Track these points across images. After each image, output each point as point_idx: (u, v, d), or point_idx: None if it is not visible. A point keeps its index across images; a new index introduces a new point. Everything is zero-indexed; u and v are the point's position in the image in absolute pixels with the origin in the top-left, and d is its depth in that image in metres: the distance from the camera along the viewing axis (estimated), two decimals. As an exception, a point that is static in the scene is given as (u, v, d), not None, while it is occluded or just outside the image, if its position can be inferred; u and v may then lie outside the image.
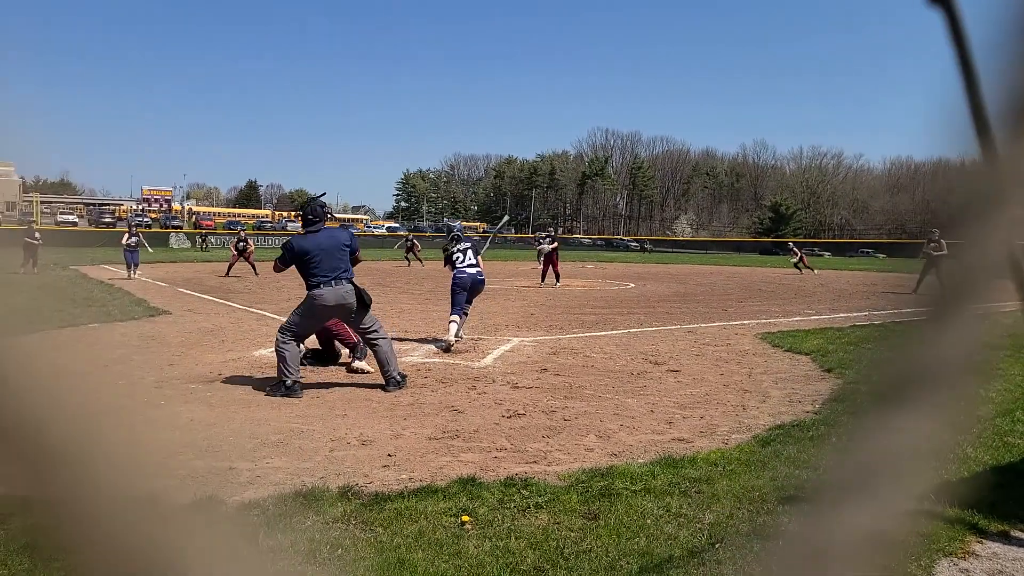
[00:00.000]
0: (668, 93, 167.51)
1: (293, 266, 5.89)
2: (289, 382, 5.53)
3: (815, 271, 27.30)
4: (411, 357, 7.29)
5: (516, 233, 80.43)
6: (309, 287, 5.76)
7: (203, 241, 42.04)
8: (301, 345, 6.29)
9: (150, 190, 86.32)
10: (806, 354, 7.56)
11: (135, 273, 17.42)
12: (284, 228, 62.52)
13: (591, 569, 2.70)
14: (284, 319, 6.25)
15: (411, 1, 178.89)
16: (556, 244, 18.16)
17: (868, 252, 64.14)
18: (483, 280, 8.33)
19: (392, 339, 6.32)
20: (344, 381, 6.17)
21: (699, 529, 3.05)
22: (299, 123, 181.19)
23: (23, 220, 53.51)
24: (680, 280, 22.25)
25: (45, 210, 68.66)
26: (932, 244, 14.80)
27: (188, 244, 43.78)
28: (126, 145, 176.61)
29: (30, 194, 75.98)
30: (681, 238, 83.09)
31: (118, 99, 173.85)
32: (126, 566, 0.35)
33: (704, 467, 3.84)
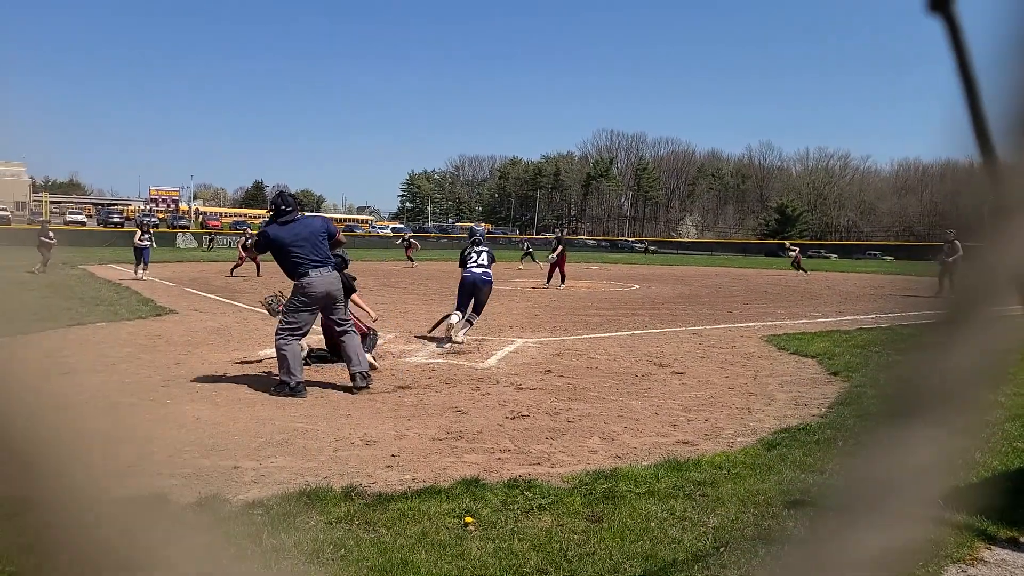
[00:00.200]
0: (673, 94, 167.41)
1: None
2: (293, 383, 5.53)
3: (806, 272, 27.17)
4: (415, 358, 7.30)
5: (520, 234, 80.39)
6: (297, 277, 5.67)
7: (211, 241, 42.20)
8: (304, 344, 6.31)
9: (158, 190, 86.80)
10: (812, 357, 7.53)
11: (144, 273, 17.40)
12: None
13: (594, 572, 2.69)
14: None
15: (416, 1, 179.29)
16: (561, 247, 18.09)
17: (875, 254, 63.91)
18: (487, 282, 8.44)
19: (396, 339, 6.32)
20: (348, 382, 6.17)
21: (703, 533, 3.04)
22: (305, 124, 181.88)
23: (33, 219, 53.80)
24: (685, 282, 22.20)
25: (54, 210, 69.08)
26: (947, 246, 14.77)
27: (195, 244, 43.94)
28: (134, 146, 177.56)
29: (39, 194, 76.47)
30: (686, 239, 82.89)
31: (126, 100, 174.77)
32: (103, 565, 0.35)
33: (709, 470, 3.83)
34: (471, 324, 8.36)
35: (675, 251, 67.33)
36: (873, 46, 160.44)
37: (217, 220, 66.23)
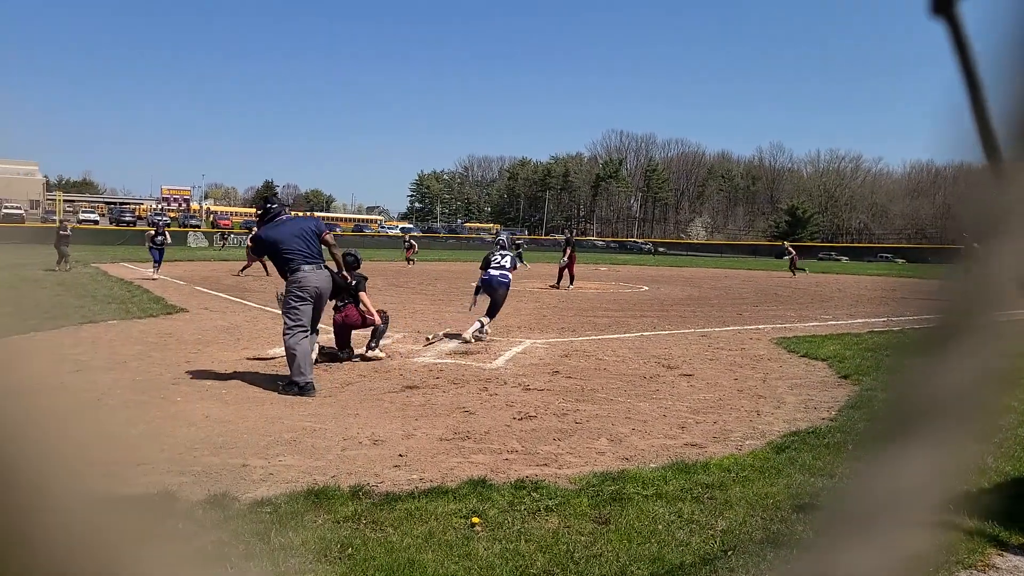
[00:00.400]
0: (684, 95, 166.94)
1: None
2: (302, 382, 5.56)
3: (796, 274, 26.95)
4: (423, 358, 7.31)
5: (529, 235, 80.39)
6: (290, 272, 5.76)
7: (223, 241, 42.44)
8: (315, 343, 6.36)
9: (169, 189, 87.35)
10: (822, 360, 7.48)
11: (157, 272, 17.44)
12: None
13: (601, 573, 2.69)
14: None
15: (426, 2, 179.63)
16: (570, 249, 18.06)
17: (887, 256, 63.45)
18: (504, 283, 8.67)
19: (404, 339, 6.33)
20: (357, 380, 6.19)
21: (711, 536, 3.03)
22: (315, 124, 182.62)
23: (47, 218, 54.28)
24: (694, 283, 22.12)
25: (68, 208, 69.64)
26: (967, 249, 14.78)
27: (206, 243, 44.21)
28: (146, 145, 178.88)
29: (53, 192, 77.13)
30: (696, 241, 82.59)
31: (139, 100, 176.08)
32: (79, 567, 0.35)
33: (717, 473, 3.81)
34: (481, 325, 8.41)
35: (684, 253, 67.09)
36: (884, 47, 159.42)
37: (228, 219, 66.61)
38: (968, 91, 0.36)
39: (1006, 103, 0.34)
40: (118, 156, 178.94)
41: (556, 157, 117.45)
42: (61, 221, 22.11)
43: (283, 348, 5.89)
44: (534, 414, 5.11)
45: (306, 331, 5.79)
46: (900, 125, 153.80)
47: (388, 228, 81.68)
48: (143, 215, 70.33)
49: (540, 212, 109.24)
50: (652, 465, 3.99)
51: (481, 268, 8.92)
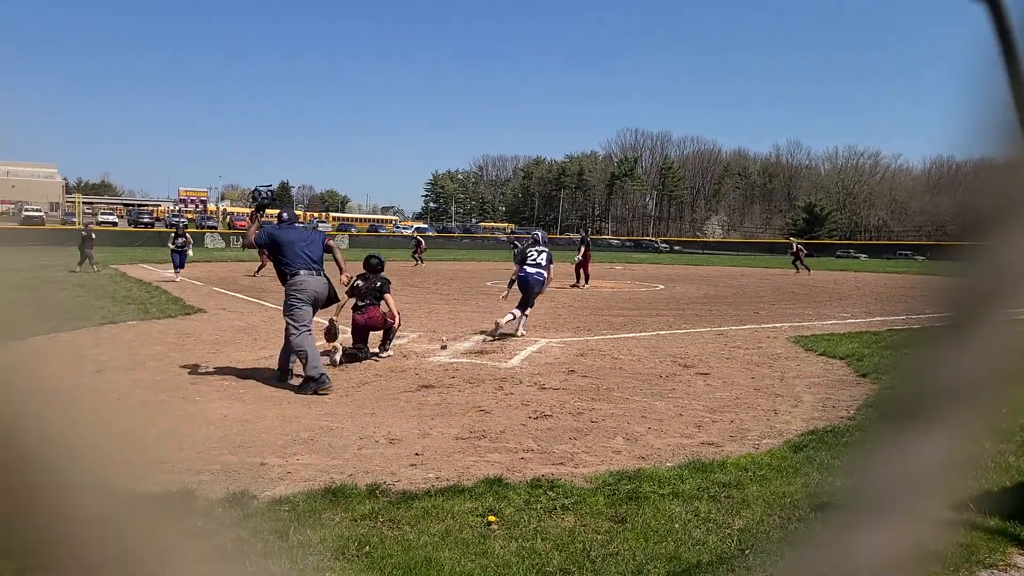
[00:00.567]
0: (699, 92, 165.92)
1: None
2: (317, 375, 5.67)
3: (798, 271, 26.53)
4: (439, 357, 7.33)
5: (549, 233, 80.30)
6: (288, 276, 6.07)
7: (241, 242, 42.87)
8: (338, 345, 6.58)
9: (186, 191, 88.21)
10: (841, 358, 7.41)
11: (178, 275, 17.28)
12: (315, 227, 63.45)
13: (617, 572, 2.68)
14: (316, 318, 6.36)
15: (441, 2, 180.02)
16: (585, 247, 18.04)
17: (907, 254, 62.64)
18: (539, 281, 8.87)
19: (420, 339, 6.35)
20: (373, 380, 6.23)
21: (728, 535, 3.01)
22: (330, 125, 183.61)
23: (66, 220, 55.05)
24: (710, 282, 21.99)
25: (87, 210, 70.64)
26: None
27: (223, 244, 44.65)
28: (163, 147, 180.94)
29: (72, 195, 78.22)
30: (712, 239, 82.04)
31: (156, 102, 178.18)
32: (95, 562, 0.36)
33: (734, 472, 3.79)
34: (514, 316, 8.63)
35: (700, 251, 66.67)
36: (903, 43, 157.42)
37: (244, 220, 67.19)
38: (1009, 77, 0.36)
39: None
40: (136, 158, 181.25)
41: (571, 156, 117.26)
42: (85, 224, 22.43)
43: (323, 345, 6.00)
44: (550, 413, 5.11)
45: (310, 331, 6.01)
46: (920, 121, 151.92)
47: (403, 228, 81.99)
48: (161, 216, 71.13)
49: (555, 211, 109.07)
50: (668, 464, 3.98)
51: (516, 263, 9.13)
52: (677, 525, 3.10)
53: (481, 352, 7.67)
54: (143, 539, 0.38)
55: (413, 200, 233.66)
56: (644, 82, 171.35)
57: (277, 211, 6.76)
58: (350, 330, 7.27)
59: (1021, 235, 0.34)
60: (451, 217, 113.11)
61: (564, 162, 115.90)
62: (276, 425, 4.72)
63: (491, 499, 3.38)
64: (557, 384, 6.11)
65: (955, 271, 0.36)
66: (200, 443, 4.27)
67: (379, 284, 7.31)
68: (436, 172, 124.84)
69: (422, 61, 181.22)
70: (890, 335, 9.12)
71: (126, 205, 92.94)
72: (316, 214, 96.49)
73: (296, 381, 5.95)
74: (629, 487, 3.55)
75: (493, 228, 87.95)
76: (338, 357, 6.77)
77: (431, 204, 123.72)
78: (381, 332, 7.31)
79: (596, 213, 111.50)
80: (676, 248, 66.24)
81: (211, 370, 6.48)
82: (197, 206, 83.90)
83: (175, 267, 17.57)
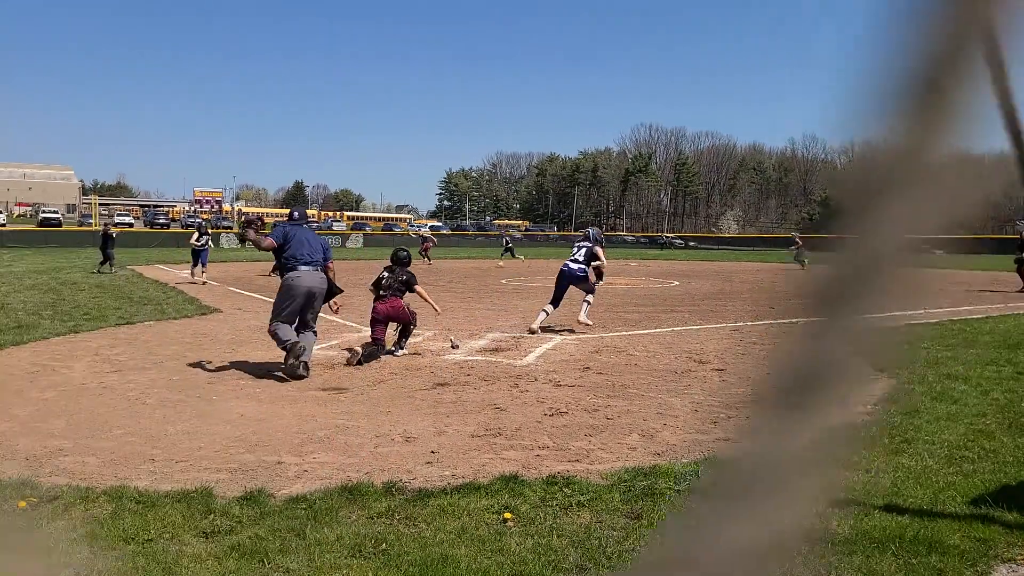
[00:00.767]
0: (713, 87, 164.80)
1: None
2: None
3: (804, 266, 25.93)
4: (454, 355, 7.35)
5: (559, 231, 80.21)
6: (287, 270, 6.33)
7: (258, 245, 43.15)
8: (314, 340, 6.70)
9: (202, 192, 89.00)
10: (858, 353, 7.33)
11: (201, 275, 16.89)
12: (330, 227, 63.84)
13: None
14: (330, 316, 6.44)
15: (453, 1, 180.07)
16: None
17: (924, 248, 61.87)
18: (578, 276, 9.05)
19: (435, 337, 6.38)
20: (388, 378, 6.25)
21: (745, 531, 3.00)
22: (344, 124, 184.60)
23: (83, 222, 55.72)
24: (726, 277, 21.85)
25: (103, 211, 71.47)
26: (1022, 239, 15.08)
27: (237, 244, 45.01)
28: (178, 148, 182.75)
29: (89, 197, 79.24)
30: (727, 235, 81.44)
31: (171, 103, 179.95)
32: None
33: (750, 468, 3.76)
34: (546, 315, 8.88)
35: (715, 246, 66.24)
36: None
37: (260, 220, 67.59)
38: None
39: (900, 66, 0.34)
40: (151, 159, 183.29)
41: (584, 152, 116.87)
42: (105, 224, 22.58)
43: (316, 347, 6.09)
44: (565, 410, 5.11)
45: (283, 320, 6.27)
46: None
47: (418, 227, 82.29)
48: (176, 217, 71.79)
49: (569, 208, 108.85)
50: (684, 460, 3.96)
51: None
52: (693, 522, 3.09)
53: (496, 350, 7.68)
54: None
55: (427, 198, 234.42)
56: (658, 78, 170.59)
57: (288, 210, 7.06)
58: (369, 323, 7.28)
59: (879, 223, 0.34)
60: (465, 215, 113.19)
61: (578, 159, 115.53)
62: (292, 424, 4.75)
63: (507, 496, 3.38)
64: (572, 381, 6.11)
65: (825, 260, 0.36)
66: (217, 442, 4.31)
67: (404, 277, 7.36)
68: (450, 170, 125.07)
69: (436, 60, 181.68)
70: (907, 329, 9.00)
71: (142, 206, 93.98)
72: (330, 213, 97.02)
73: (311, 376, 6.01)
74: (645, 483, 3.54)
75: (507, 226, 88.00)
76: (313, 351, 6.74)
77: (445, 202, 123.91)
78: (397, 331, 7.32)
79: (611, 209, 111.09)
80: (691, 244, 65.83)
81: (228, 369, 6.53)
82: (212, 206, 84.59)
83: (202, 265, 17.07)
